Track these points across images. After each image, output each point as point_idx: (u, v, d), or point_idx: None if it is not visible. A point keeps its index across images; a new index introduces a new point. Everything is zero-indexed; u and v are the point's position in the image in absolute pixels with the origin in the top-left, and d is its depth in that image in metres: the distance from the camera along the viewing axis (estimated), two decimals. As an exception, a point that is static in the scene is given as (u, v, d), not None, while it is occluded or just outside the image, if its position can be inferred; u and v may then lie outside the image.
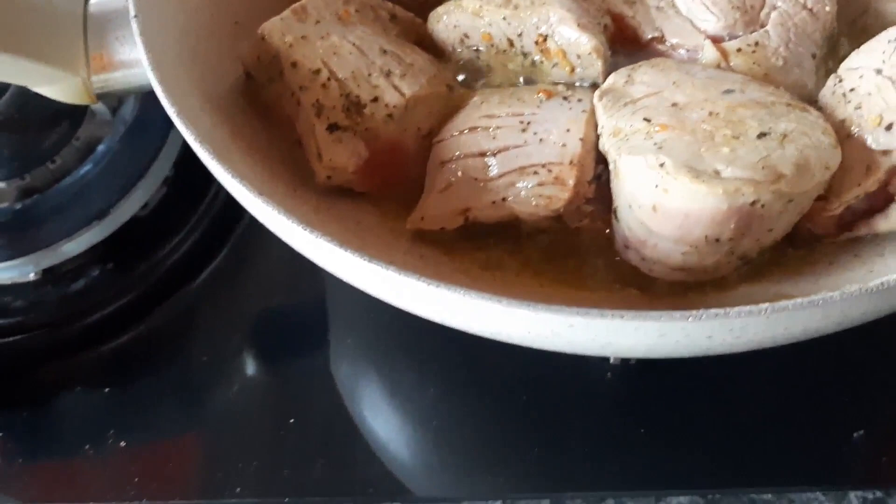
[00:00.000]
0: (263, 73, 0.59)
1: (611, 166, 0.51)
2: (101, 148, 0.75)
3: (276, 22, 0.58)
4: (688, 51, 0.59)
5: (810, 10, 0.59)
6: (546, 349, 0.44)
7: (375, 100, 0.57)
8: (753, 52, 0.57)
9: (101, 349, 0.73)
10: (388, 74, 0.58)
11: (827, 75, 0.58)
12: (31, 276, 0.74)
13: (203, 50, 0.60)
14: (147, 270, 0.75)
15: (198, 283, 0.75)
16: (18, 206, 0.74)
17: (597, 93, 0.53)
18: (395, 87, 0.58)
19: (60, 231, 0.72)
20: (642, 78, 0.52)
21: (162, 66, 0.52)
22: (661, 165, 0.46)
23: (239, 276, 0.76)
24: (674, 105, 0.50)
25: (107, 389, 0.70)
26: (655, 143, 0.47)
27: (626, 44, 0.61)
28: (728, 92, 0.50)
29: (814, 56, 0.59)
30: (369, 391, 0.70)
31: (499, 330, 0.43)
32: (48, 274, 0.74)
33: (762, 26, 0.58)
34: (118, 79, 0.57)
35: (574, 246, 0.57)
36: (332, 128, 0.57)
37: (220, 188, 0.77)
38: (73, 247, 0.73)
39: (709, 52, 0.57)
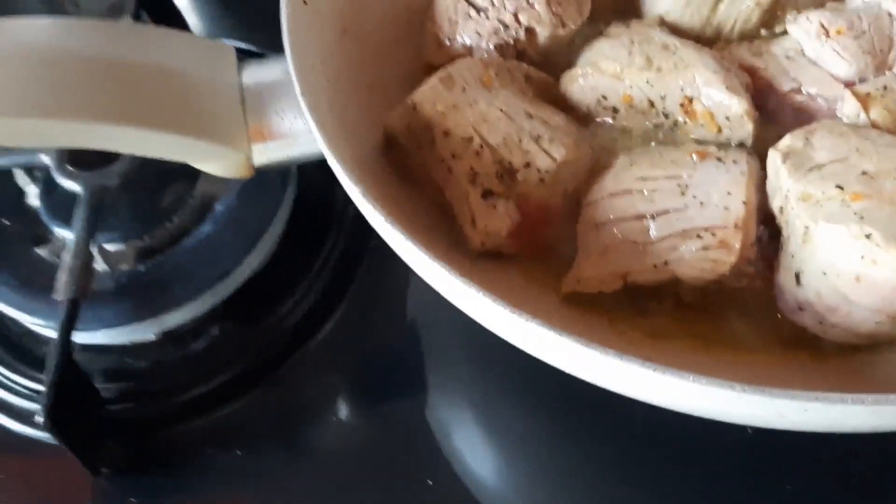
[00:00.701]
0: (412, 140, 0.59)
1: (794, 232, 0.51)
2: (219, 207, 0.76)
3: (426, 91, 0.59)
4: (827, 101, 0.59)
5: (936, 51, 0.60)
6: (760, 427, 0.44)
7: (528, 165, 0.58)
8: (882, 95, 0.57)
9: (229, 410, 0.73)
10: (537, 139, 0.58)
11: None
12: (152, 337, 0.74)
13: (345, 117, 0.61)
14: (267, 329, 0.75)
15: (319, 338, 0.75)
16: (141, 268, 0.73)
17: (777, 155, 0.53)
18: (546, 152, 0.58)
19: (184, 293, 0.72)
20: (821, 142, 0.52)
21: (333, 142, 0.52)
22: (868, 237, 0.46)
23: (359, 330, 0.76)
24: (864, 173, 0.50)
25: (239, 452, 0.70)
26: (855, 213, 0.48)
27: (760, 97, 0.61)
28: (914, 163, 0.50)
29: None
30: (483, 448, 0.70)
31: (721, 411, 0.43)
32: (168, 334, 0.74)
33: (890, 70, 0.59)
34: (277, 152, 0.57)
35: (733, 307, 0.57)
36: (487, 194, 0.57)
37: (334, 245, 0.78)
38: (195, 308, 0.73)
39: (849, 105, 0.57)
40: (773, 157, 0.54)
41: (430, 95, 0.58)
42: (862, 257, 0.47)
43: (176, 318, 0.73)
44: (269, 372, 0.74)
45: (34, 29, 0.57)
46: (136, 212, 0.75)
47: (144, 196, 0.75)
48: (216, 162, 0.55)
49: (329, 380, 0.74)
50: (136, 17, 0.83)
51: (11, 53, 0.54)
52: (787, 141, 0.54)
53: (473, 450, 0.69)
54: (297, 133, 0.56)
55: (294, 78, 0.53)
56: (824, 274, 0.50)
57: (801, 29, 0.61)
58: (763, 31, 0.65)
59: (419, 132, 0.59)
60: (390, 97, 0.64)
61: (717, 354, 0.55)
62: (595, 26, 0.66)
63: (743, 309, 0.56)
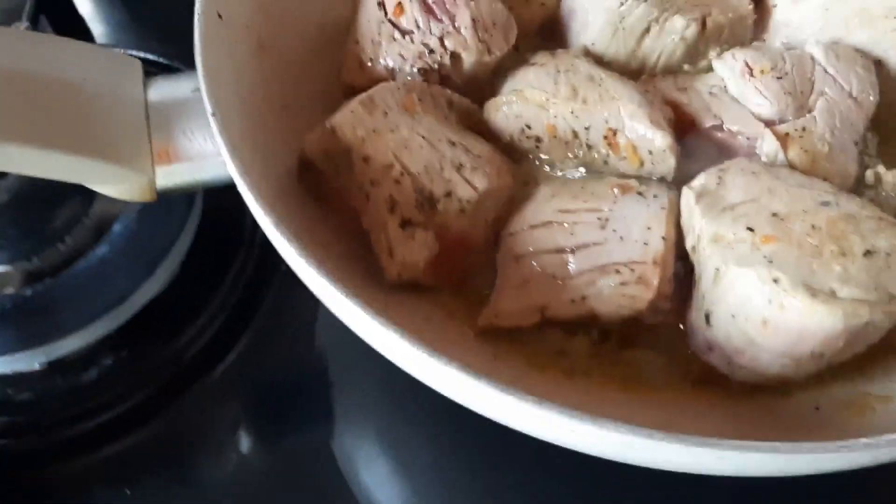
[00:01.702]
0: (330, 165, 0.57)
1: (705, 272, 0.51)
2: (116, 227, 0.71)
3: (346, 115, 0.56)
4: (748, 139, 0.59)
5: (855, 98, 0.61)
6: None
7: (449, 194, 0.56)
8: (801, 136, 0.58)
9: (118, 445, 0.68)
10: (459, 168, 0.57)
11: (864, 166, 0.60)
12: (37, 367, 0.68)
13: (259, 138, 0.58)
14: (165, 359, 0.70)
15: (220, 369, 0.71)
16: (28, 292, 0.68)
17: (690, 194, 0.53)
18: (468, 181, 0.57)
19: (73, 320, 0.67)
20: (734, 181, 0.52)
21: (245, 168, 0.49)
22: (776, 281, 0.46)
23: (264, 359, 0.73)
24: (774, 215, 0.50)
25: (128, 491, 0.65)
26: (765, 256, 0.47)
27: (682, 132, 0.61)
28: (825, 204, 0.51)
29: (856, 143, 0.60)
30: (390, 480, 0.67)
31: (649, 459, 0.42)
32: (56, 364, 0.69)
33: (810, 112, 0.60)
34: (184, 175, 0.53)
35: (648, 344, 0.56)
36: (405, 224, 0.55)
37: (241, 269, 0.75)
38: (86, 336, 0.68)
39: (769, 143, 0.58)
40: (687, 196, 0.54)
41: (349, 119, 0.56)
42: (769, 301, 0.47)
43: (64, 346, 0.68)
44: (166, 404, 0.69)
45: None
46: (25, 231, 0.70)
47: (35, 214, 0.70)
48: (115, 185, 0.50)
49: (230, 412, 0.70)
50: (35, 23, 0.78)
51: None
52: (700, 180, 0.54)
53: (380, 482, 0.66)
54: (205, 155, 0.53)
55: (205, 96, 0.50)
56: (733, 317, 0.50)
57: (726, 66, 0.62)
58: (686, 67, 0.65)
59: (337, 157, 0.56)
60: (307, 118, 0.61)
61: (632, 393, 0.54)
62: (519, 55, 0.65)
63: (657, 346, 0.56)
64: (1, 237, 0.69)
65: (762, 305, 0.48)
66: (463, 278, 0.59)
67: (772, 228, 0.50)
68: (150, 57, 0.83)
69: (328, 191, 0.58)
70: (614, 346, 0.56)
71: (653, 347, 0.56)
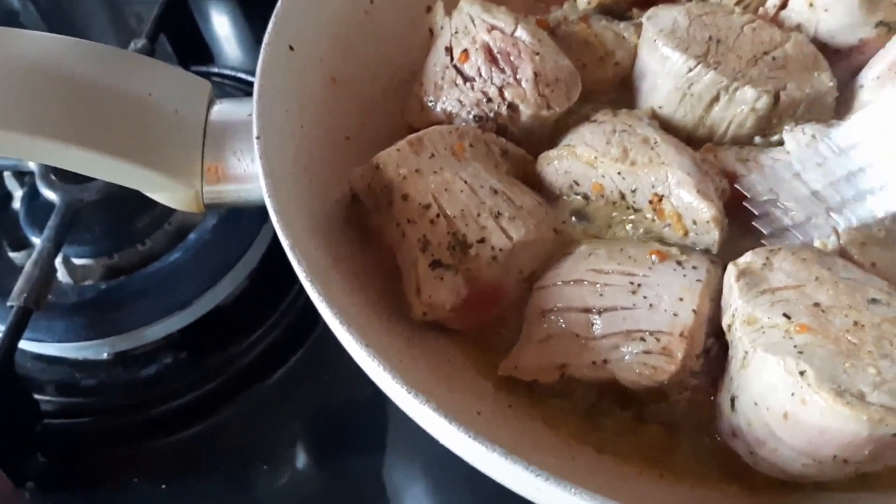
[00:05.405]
0: (372, 200, 0.58)
1: (737, 354, 0.49)
2: (192, 236, 0.76)
3: (392, 153, 0.58)
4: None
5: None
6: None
7: (482, 241, 0.56)
8: None
9: (164, 440, 0.71)
10: (497, 216, 0.57)
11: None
12: (104, 356, 0.74)
13: (314, 166, 0.60)
14: (220, 364, 0.74)
15: (270, 382, 0.74)
16: (104, 285, 0.74)
17: (733, 270, 0.51)
18: (503, 230, 0.57)
19: (141, 317, 0.72)
20: (781, 265, 0.50)
21: (278, 191, 0.51)
22: (802, 374, 0.43)
23: (311, 380, 0.75)
24: (816, 305, 0.47)
25: (163, 486, 0.69)
26: (796, 346, 0.45)
27: (737, 204, 0.59)
28: (874, 302, 0.47)
29: None
30: None
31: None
32: (120, 355, 0.74)
33: None
34: (230, 193, 0.56)
35: (670, 418, 0.54)
36: (435, 265, 0.56)
37: (302, 289, 0.77)
38: (151, 333, 0.73)
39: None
40: (730, 272, 0.51)
41: (395, 157, 0.58)
42: (792, 394, 0.44)
43: (129, 340, 0.73)
44: (217, 407, 0.73)
45: (37, 44, 0.58)
46: (110, 230, 0.75)
47: (121, 215, 0.76)
48: (164, 193, 0.54)
49: (280, 427, 0.73)
50: (153, 41, 0.85)
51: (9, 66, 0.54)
52: (747, 257, 0.51)
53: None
54: (251, 177, 0.56)
55: (254, 119, 0.53)
56: (755, 404, 0.47)
57: (794, 139, 0.59)
58: (757, 139, 0.63)
59: (379, 193, 0.58)
60: (369, 151, 0.63)
61: (651, 475, 0.52)
62: (592, 107, 0.65)
63: (679, 421, 0.54)
64: (88, 233, 0.74)
65: (785, 397, 0.45)
66: (491, 325, 0.59)
67: (809, 318, 0.47)
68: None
69: (370, 224, 0.60)
70: (638, 421, 0.55)
71: (676, 426, 0.54)
